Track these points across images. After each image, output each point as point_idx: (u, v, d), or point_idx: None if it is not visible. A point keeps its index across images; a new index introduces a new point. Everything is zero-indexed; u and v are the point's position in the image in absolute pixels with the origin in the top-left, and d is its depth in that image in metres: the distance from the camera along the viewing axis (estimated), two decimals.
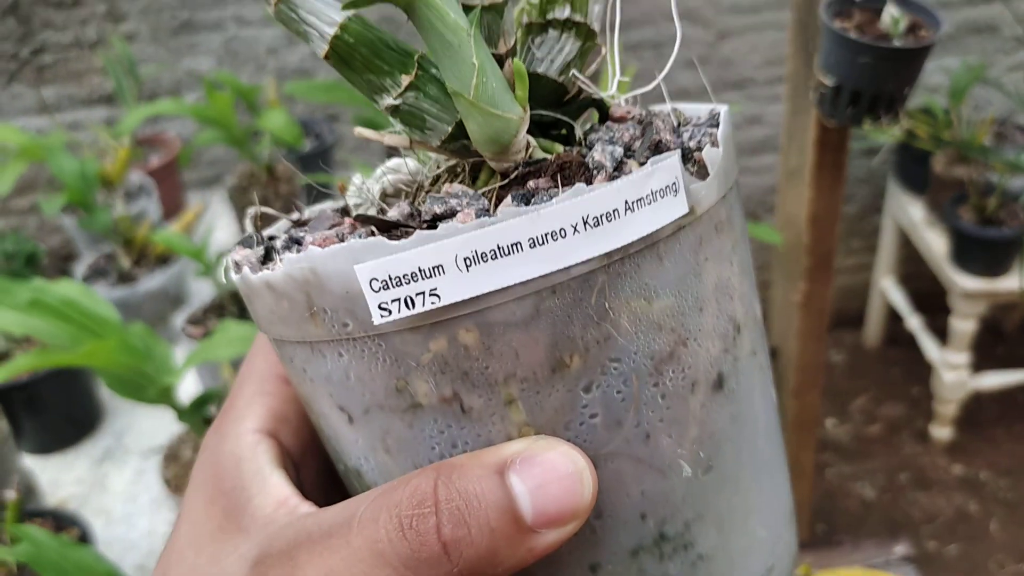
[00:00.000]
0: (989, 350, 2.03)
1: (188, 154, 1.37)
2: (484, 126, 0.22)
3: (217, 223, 1.49)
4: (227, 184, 1.33)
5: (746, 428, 0.25)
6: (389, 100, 0.23)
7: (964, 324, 1.66)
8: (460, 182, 0.26)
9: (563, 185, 0.22)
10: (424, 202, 0.23)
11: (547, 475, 0.21)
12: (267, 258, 0.25)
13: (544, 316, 0.21)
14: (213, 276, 1.10)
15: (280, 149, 1.33)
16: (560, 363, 0.22)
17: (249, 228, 0.27)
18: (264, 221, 0.27)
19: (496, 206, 0.22)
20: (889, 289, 1.95)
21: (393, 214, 0.22)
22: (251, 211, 0.27)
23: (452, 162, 0.26)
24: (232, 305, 1.13)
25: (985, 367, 1.86)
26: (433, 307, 0.20)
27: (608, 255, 0.21)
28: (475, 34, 0.21)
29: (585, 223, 0.20)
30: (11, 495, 0.83)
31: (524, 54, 0.26)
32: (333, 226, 0.26)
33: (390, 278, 0.20)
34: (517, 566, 0.21)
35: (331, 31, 0.22)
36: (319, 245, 0.22)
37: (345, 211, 0.28)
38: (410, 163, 0.27)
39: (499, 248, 0.20)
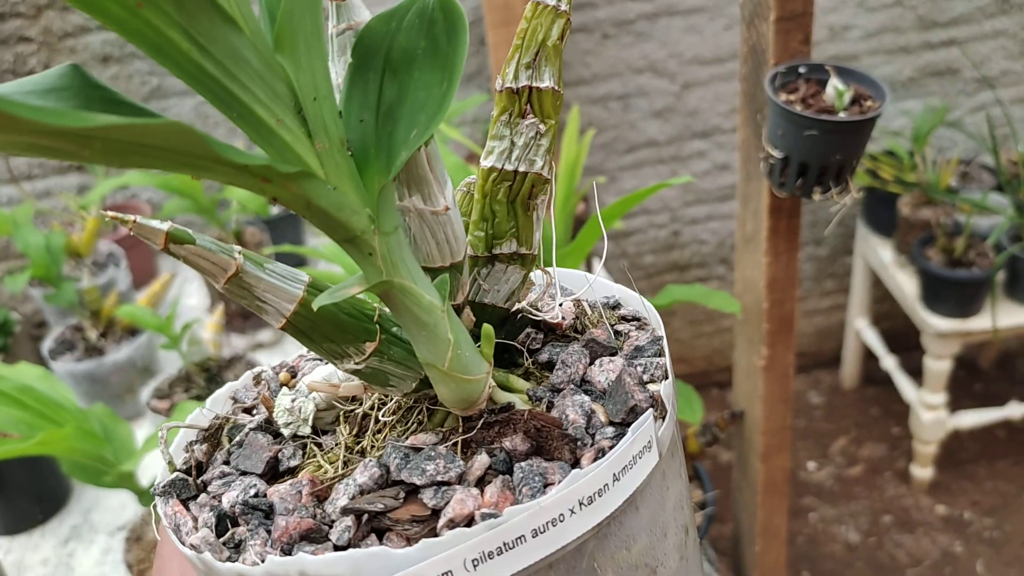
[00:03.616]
0: (966, 387, 2.04)
1: None
2: (456, 391, 0.23)
3: (186, 289, 1.49)
4: None
5: None
6: (351, 365, 0.23)
7: (939, 364, 1.67)
8: (416, 420, 0.25)
9: (547, 459, 0.22)
10: (384, 449, 0.23)
11: None
12: (223, 531, 0.24)
13: None
14: (179, 348, 1.09)
15: (247, 215, 1.34)
16: None
17: (169, 456, 0.26)
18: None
19: (467, 457, 0.23)
20: (863, 330, 1.96)
21: (364, 479, 0.22)
22: (162, 432, 0.26)
23: (393, 398, 0.26)
24: (199, 376, 1.12)
25: (963, 404, 1.87)
26: None
27: (598, 524, 0.22)
28: (447, 309, 0.22)
29: (581, 504, 0.21)
30: None
31: (471, 284, 0.26)
32: (272, 459, 0.25)
33: None
34: None
35: (290, 307, 0.22)
36: (299, 538, 0.22)
37: (273, 430, 0.27)
38: (349, 384, 0.27)
39: (504, 544, 0.20)
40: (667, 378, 0.25)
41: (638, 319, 0.27)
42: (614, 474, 0.22)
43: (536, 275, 0.28)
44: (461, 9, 0.19)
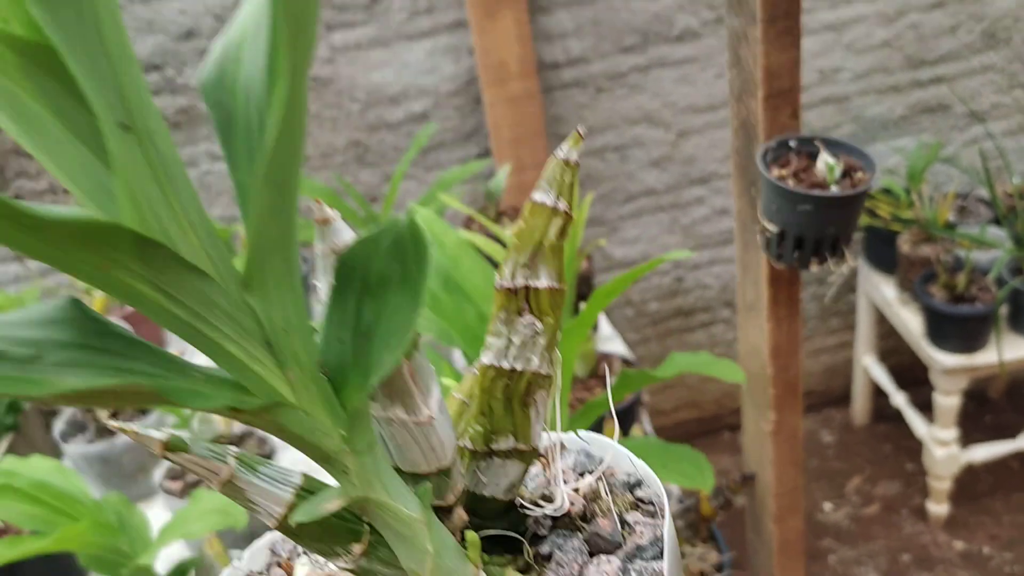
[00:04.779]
0: (977, 419, 2.03)
1: None
2: None
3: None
4: None
5: None
6: (343, 564, 0.24)
7: (948, 400, 1.67)
8: None
9: None
10: None
11: None
12: None
13: None
14: (190, 427, 1.10)
15: None
16: None
17: None
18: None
19: None
20: (871, 367, 1.96)
21: None
22: None
23: None
24: None
25: (974, 437, 1.86)
26: None
27: None
28: (428, 520, 0.22)
29: None
30: None
31: (470, 476, 0.26)
32: None
33: None
34: None
35: (280, 511, 0.23)
36: None
37: None
38: (331, 565, 0.26)
39: None
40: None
41: (654, 504, 0.27)
42: None
43: (552, 437, 0.28)
44: (428, 238, 0.20)
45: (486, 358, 0.24)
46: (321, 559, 0.27)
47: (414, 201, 1.69)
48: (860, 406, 2.08)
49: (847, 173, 0.69)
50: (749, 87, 0.69)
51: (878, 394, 2.03)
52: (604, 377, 1.10)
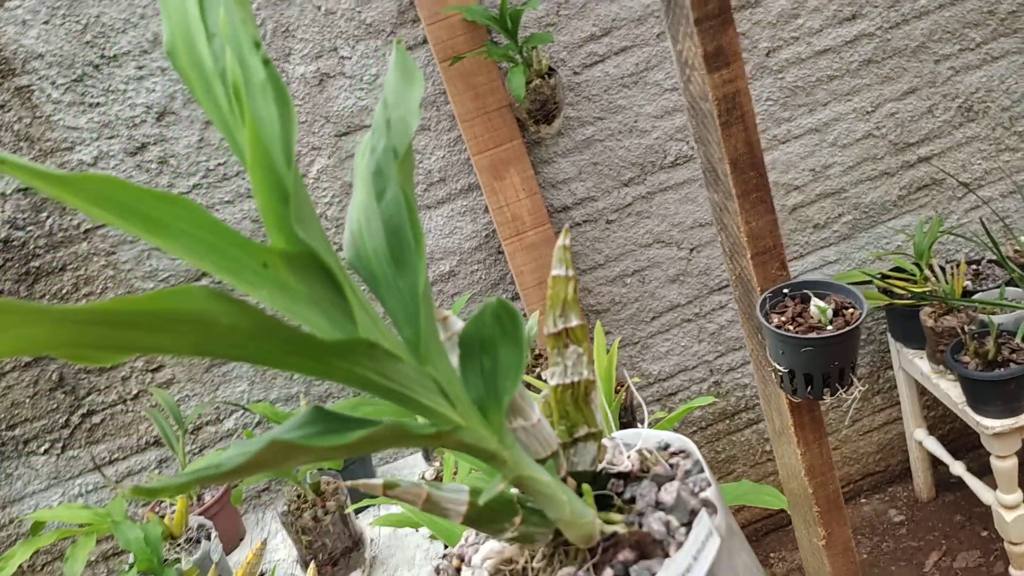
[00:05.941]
0: None
1: (240, 494, 1.48)
2: (578, 531, 0.34)
3: (271, 545, 1.57)
4: (279, 510, 1.42)
5: None
6: (509, 534, 0.35)
7: (1004, 463, 1.68)
8: (558, 560, 0.37)
9: (649, 559, 0.33)
10: None
11: None
12: None
13: None
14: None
15: (322, 469, 1.43)
16: None
17: None
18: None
19: (599, 573, 0.34)
20: (924, 440, 1.97)
21: None
22: None
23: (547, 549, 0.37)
24: None
25: None
26: None
27: None
28: (559, 482, 0.34)
29: None
30: None
31: (567, 459, 0.38)
32: None
33: None
34: None
35: (463, 509, 0.33)
36: None
37: None
38: (508, 549, 0.38)
39: None
40: (711, 486, 0.35)
41: (684, 451, 0.39)
42: (693, 556, 0.32)
43: (606, 441, 0.39)
44: (516, 309, 0.33)
45: (554, 381, 0.36)
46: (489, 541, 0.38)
47: None
48: (922, 480, 2.08)
49: (838, 311, 0.77)
50: (738, 248, 0.79)
51: (937, 464, 2.04)
52: None
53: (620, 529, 0.34)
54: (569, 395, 0.36)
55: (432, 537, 1.23)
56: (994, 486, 1.75)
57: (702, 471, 0.37)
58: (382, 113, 0.33)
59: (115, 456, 1.82)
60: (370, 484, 0.32)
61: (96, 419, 1.80)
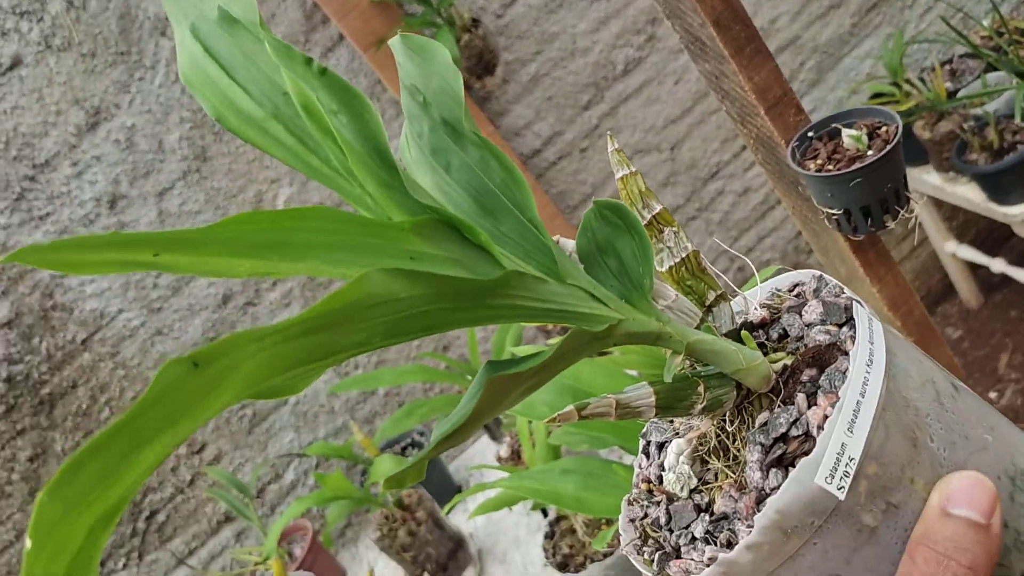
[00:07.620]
0: None
1: (329, 537, 1.45)
2: (756, 375, 0.35)
3: (378, 570, 1.55)
4: (372, 538, 1.39)
5: None
6: (700, 406, 0.35)
7: None
8: (748, 415, 0.36)
9: (828, 365, 0.34)
10: (748, 442, 0.34)
11: (964, 492, 0.30)
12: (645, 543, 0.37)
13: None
14: None
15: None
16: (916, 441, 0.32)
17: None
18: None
19: (791, 403, 0.34)
20: (956, 250, 1.95)
21: (754, 459, 0.33)
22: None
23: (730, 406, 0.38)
24: None
25: None
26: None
27: (886, 369, 0.32)
28: (720, 335, 0.36)
29: (868, 364, 0.32)
30: None
31: (712, 323, 0.39)
32: (695, 506, 0.36)
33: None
34: (996, 555, 0.30)
35: (652, 400, 0.34)
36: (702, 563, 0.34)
37: (661, 489, 0.39)
38: (695, 427, 0.38)
39: (854, 411, 0.31)
40: (844, 288, 0.36)
41: (799, 282, 0.40)
42: (870, 340, 0.32)
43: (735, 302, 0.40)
44: (616, 201, 0.33)
45: (665, 265, 0.37)
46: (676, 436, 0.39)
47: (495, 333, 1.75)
48: (966, 289, 2.06)
49: (872, 133, 0.73)
50: (748, 110, 0.75)
51: (976, 269, 2.02)
52: None
53: (787, 360, 0.36)
54: (685, 270, 0.38)
55: (532, 509, 1.20)
56: None
57: (827, 284, 0.38)
58: (411, 101, 0.34)
59: (193, 545, 1.79)
60: (564, 414, 0.32)
61: (161, 517, 1.76)
